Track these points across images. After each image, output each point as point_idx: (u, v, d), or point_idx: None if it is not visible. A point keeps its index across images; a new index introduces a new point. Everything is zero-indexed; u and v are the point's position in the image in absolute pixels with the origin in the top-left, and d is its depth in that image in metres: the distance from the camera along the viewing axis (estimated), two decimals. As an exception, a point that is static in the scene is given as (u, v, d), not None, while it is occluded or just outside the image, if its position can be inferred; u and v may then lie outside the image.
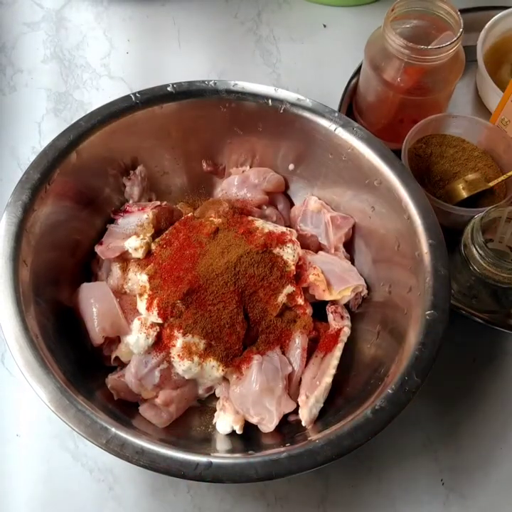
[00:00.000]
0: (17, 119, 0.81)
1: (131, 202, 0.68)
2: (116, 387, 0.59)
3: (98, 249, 0.64)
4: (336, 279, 0.63)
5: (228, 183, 0.70)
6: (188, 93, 0.64)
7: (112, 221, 0.66)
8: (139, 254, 0.62)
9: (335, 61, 0.86)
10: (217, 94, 0.65)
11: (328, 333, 0.62)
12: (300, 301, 0.61)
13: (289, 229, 0.64)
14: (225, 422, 0.58)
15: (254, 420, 0.58)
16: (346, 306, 0.65)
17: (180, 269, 0.59)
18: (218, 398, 0.61)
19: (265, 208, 0.69)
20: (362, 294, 0.64)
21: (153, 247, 0.63)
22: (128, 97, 0.63)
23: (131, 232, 0.64)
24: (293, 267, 0.61)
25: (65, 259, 0.63)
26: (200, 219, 0.65)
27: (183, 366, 0.57)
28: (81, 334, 0.60)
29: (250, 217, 0.65)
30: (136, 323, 0.59)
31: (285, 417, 0.58)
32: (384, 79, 0.69)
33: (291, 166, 0.70)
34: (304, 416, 0.56)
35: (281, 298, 0.60)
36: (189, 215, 0.66)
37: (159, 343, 0.58)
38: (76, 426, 0.49)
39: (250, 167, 0.71)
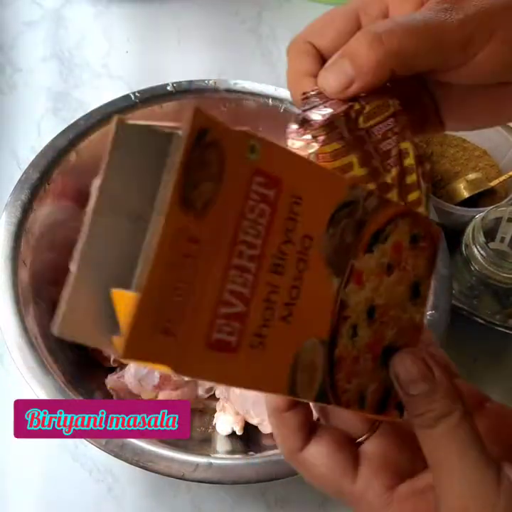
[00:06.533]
0: (16, 118, 0.81)
1: (130, 202, 0.68)
2: (115, 387, 0.58)
3: (98, 249, 0.64)
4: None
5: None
6: (188, 92, 0.64)
7: (112, 221, 0.66)
8: (139, 254, 0.62)
9: (335, 60, 0.85)
10: (217, 94, 0.64)
11: (328, 334, 0.61)
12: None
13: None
14: (225, 422, 0.58)
15: (254, 421, 0.57)
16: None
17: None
18: (218, 399, 0.60)
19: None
20: (362, 294, 0.64)
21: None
22: (127, 96, 0.63)
23: (131, 232, 0.64)
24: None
25: (64, 259, 0.62)
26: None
27: (183, 367, 0.57)
28: (81, 334, 0.59)
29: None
30: (136, 324, 0.59)
31: (285, 417, 0.58)
32: (384, 78, 0.69)
33: (291, 166, 0.69)
34: (305, 416, 0.56)
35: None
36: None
37: (159, 344, 0.58)
38: (76, 427, 0.49)
39: (250, 167, 0.70)
